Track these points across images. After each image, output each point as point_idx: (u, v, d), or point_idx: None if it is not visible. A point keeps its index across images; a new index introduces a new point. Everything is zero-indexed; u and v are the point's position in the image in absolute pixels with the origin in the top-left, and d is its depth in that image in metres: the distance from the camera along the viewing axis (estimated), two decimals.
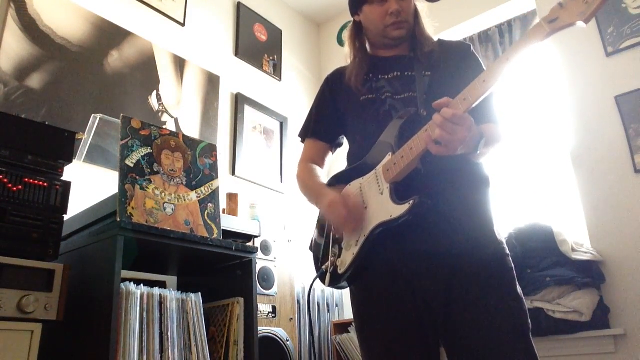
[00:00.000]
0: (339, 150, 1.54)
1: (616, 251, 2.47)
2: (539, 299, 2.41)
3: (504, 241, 1.25)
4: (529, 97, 3.11)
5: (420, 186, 1.17)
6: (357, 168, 1.32)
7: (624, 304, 2.38)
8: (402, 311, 1.20)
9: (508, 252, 1.24)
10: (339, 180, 1.35)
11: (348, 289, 1.32)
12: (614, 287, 2.42)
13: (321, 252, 1.33)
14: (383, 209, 1.17)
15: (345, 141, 1.51)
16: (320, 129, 1.48)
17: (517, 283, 1.20)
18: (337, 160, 1.57)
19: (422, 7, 1.43)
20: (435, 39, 1.41)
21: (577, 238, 2.58)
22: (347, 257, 1.21)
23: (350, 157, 1.41)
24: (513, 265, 1.22)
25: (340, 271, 1.22)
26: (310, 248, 1.39)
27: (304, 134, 1.52)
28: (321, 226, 1.37)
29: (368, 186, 1.24)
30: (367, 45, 1.46)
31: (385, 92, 1.34)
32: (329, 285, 1.25)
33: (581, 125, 2.71)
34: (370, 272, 1.23)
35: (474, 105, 1.06)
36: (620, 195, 2.52)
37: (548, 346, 2.38)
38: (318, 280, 1.30)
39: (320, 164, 1.47)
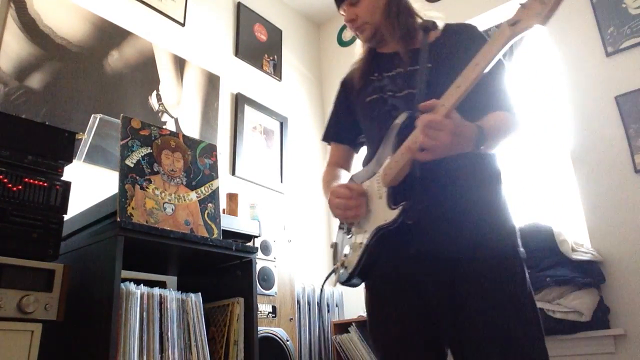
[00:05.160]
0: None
1: (616, 251, 2.47)
2: (539, 299, 2.40)
3: (517, 234, 1.21)
4: (529, 97, 3.11)
5: (416, 189, 1.15)
6: (367, 169, 1.32)
7: (624, 304, 2.38)
8: (407, 314, 1.20)
9: (520, 247, 1.20)
10: (353, 181, 1.36)
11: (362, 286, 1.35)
12: (614, 287, 2.42)
13: (336, 252, 1.37)
14: (381, 212, 1.18)
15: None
16: (338, 132, 1.51)
17: (528, 283, 1.17)
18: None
19: None
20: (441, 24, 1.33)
21: (577, 238, 2.58)
22: (354, 258, 1.24)
23: (365, 158, 1.40)
24: (524, 266, 1.18)
25: (349, 271, 1.26)
26: (331, 246, 1.43)
27: (326, 138, 1.55)
28: (339, 227, 1.39)
29: (371, 189, 1.24)
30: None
31: (388, 90, 1.31)
32: (339, 283, 1.30)
33: (581, 125, 2.71)
34: (376, 274, 1.25)
35: (452, 110, 1.03)
36: (620, 195, 2.52)
37: (548, 346, 2.37)
38: (329, 281, 1.34)
39: (345, 166, 1.50)
